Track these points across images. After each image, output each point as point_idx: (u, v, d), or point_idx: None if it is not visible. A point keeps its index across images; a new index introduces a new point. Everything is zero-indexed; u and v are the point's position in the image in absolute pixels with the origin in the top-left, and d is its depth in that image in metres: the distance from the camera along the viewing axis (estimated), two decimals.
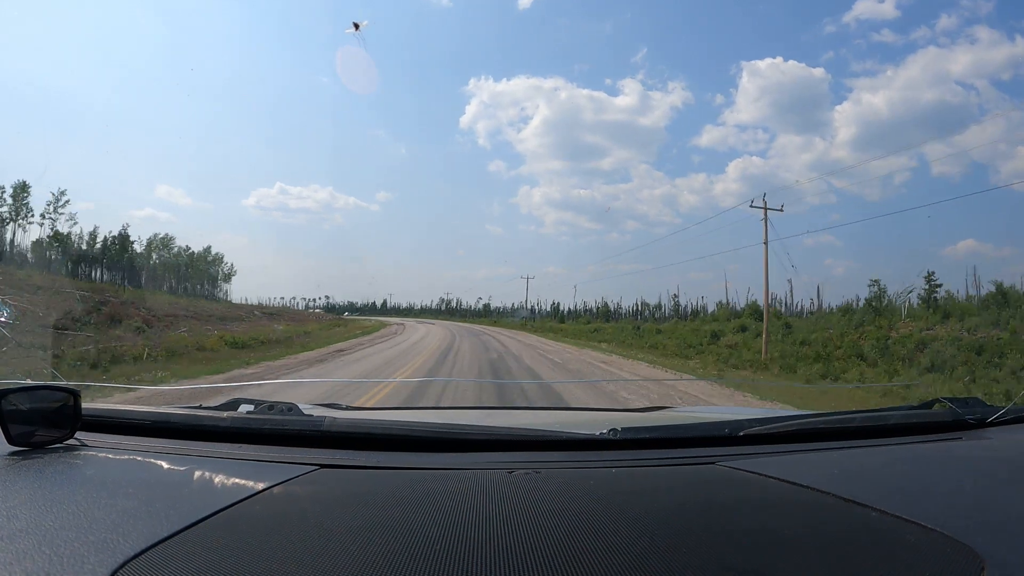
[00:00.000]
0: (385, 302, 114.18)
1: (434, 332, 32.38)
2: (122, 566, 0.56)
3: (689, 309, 38.04)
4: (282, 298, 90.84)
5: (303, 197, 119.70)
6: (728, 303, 31.95)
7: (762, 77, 75.22)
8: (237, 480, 0.82)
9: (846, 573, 0.59)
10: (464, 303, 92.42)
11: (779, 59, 76.74)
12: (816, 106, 76.18)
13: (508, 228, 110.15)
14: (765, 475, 0.87)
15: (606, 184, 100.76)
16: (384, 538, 0.64)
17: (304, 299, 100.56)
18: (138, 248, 48.38)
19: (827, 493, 0.79)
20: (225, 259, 62.46)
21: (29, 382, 1.06)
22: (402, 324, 45.21)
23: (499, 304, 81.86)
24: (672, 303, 40.85)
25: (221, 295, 59.93)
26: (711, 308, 34.01)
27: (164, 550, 0.60)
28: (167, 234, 51.94)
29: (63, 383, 1.06)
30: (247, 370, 11.39)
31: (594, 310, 51.32)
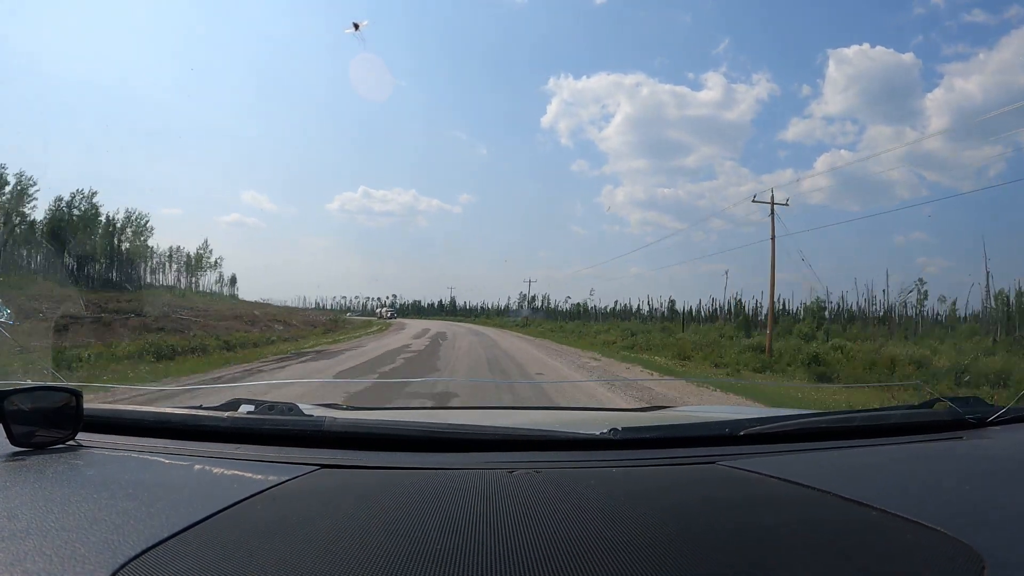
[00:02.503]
0: (453, 300, 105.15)
1: None
2: (123, 566, 0.56)
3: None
4: (344, 297, 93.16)
5: (387, 200, 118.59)
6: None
7: (849, 65, 69.41)
8: (238, 480, 0.82)
9: (846, 573, 0.59)
10: (552, 300, 76.97)
11: (866, 46, 70.85)
12: (907, 94, 70.82)
13: (591, 228, 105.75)
14: (765, 475, 0.87)
15: (691, 182, 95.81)
16: (385, 538, 0.64)
17: (368, 298, 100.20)
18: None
19: (827, 492, 0.79)
20: (155, 230, 50.62)
21: (31, 383, 1.06)
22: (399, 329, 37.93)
23: (588, 300, 65.52)
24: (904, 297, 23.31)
25: (166, 283, 50.28)
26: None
27: (165, 550, 0.60)
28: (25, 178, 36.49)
29: (65, 384, 1.06)
30: None
31: (730, 313, 32.54)
